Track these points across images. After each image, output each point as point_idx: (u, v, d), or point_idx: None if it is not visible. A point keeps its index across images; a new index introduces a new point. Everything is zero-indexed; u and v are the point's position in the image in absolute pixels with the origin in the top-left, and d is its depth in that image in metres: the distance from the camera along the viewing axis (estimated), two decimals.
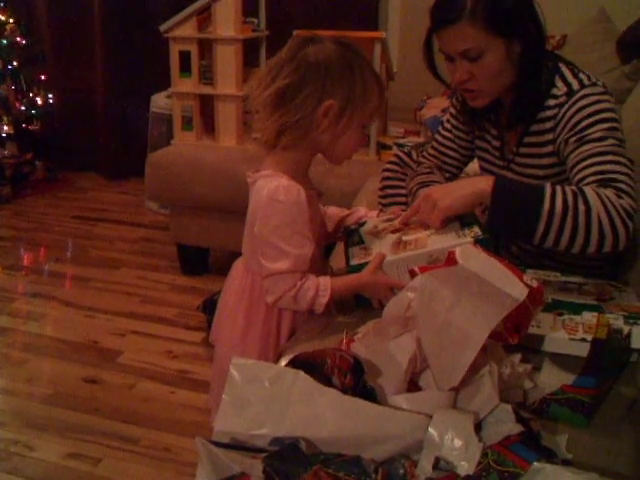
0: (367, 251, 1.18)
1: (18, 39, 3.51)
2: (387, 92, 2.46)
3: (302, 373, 0.82)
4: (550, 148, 1.27)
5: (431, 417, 0.78)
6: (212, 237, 2.61)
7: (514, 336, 0.88)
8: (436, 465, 0.74)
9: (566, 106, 1.21)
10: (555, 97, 1.23)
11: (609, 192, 1.08)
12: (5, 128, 3.48)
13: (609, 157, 1.14)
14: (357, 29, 2.56)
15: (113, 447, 1.74)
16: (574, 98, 1.20)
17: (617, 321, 1.04)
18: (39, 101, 3.65)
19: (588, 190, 1.08)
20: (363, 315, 1.12)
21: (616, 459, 0.84)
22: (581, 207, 1.06)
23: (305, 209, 1.10)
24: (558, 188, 1.09)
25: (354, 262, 1.17)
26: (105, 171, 3.93)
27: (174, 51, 2.58)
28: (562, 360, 0.99)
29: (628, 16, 2.21)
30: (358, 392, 0.82)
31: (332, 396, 0.80)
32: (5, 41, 3.45)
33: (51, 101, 3.72)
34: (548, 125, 1.25)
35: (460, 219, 1.15)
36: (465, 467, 0.74)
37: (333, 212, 1.37)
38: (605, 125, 1.17)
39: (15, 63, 3.53)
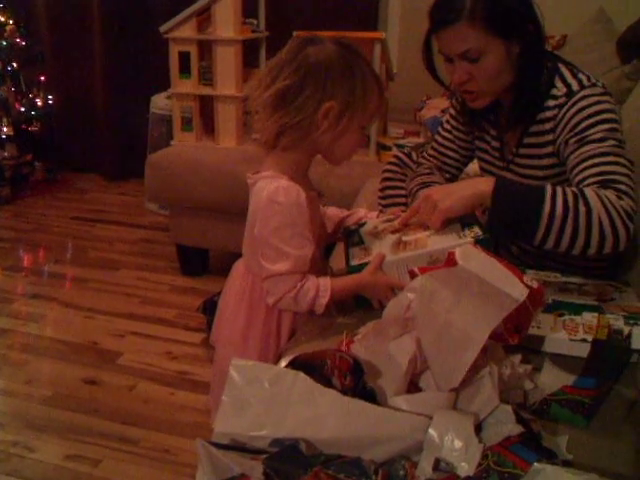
0: (367, 252, 1.18)
1: (18, 40, 3.51)
2: (387, 93, 2.46)
3: (302, 374, 0.82)
4: (550, 149, 1.27)
5: (431, 418, 0.78)
6: (212, 238, 2.61)
7: (514, 337, 0.87)
8: (436, 466, 0.74)
9: (566, 107, 1.21)
10: (555, 98, 1.23)
11: (609, 193, 1.08)
12: (5, 129, 3.47)
13: (609, 158, 1.14)
14: (357, 29, 2.55)
15: (113, 448, 1.74)
16: (574, 99, 1.20)
17: (617, 322, 1.04)
18: (39, 102, 3.64)
19: (588, 191, 1.08)
20: (363, 316, 1.12)
21: (616, 460, 0.84)
22: (582, 208, 1.06)
23: (305, 210, 1.10)
24: (558, 189, 1.08)
25: (354, 262, 1.17)
26: (105, 172, 3.93)
27: (174, 52, 2.58)
28: (562, 361, 0.99)
29: (628, 16, 2.21)
30: (358, 393, 0.82)
31: (332, 397, 0.80)
32: (5, 42, 3.44)
33: (51, 102, 3.71)
34: (548, 126, 1.25)
35: (460, 220, 1.14)
36: (465, 468, 0.73)
37: (333, 213, 1.37)
38: (605, 126, 1.16)
39: (15, 64, 3.53)
